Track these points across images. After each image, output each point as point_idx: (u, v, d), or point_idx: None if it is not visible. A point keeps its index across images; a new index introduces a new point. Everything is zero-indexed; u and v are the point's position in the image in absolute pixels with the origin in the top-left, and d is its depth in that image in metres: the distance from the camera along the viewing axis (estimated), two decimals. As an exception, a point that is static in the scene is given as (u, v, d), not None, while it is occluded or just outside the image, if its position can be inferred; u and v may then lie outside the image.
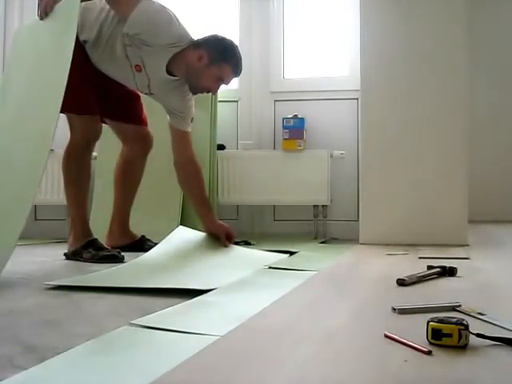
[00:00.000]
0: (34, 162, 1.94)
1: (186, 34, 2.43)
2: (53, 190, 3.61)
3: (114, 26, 2.40)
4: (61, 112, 2.09)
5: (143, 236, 2.79)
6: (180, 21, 2.41)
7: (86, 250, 2.38)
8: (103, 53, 2.45)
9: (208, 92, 2.56)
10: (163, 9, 2.36)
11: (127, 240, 2.74)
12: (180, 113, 2.59)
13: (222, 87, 2.62)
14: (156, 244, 2.73)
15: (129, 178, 2.75)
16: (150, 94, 2.57)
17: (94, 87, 2.50)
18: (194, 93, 2.56)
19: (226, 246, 2.55)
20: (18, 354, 0.99)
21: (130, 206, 2.78)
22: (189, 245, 2.48)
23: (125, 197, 2.77)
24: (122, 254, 2.39)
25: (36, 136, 2.00)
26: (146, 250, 2.64)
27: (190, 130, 2.63)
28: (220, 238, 2.58)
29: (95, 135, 2.50)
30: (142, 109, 2.75)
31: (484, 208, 4.16)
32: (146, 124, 2.75)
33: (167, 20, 2.34)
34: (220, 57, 2.44)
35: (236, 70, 2.50)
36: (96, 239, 2.46)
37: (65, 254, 2.46)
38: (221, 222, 2.68)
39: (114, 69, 2.51)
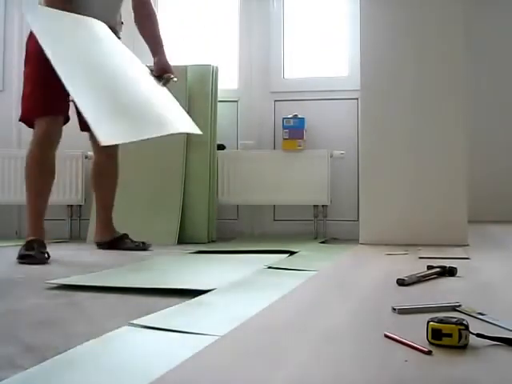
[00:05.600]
0: None
1: None
2: (52, 190, 3.59)
3: None
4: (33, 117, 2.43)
5: (125, 234, 2.88)
6: None
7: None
8: None
9: None
10: None
11: (109, 237, 2.85)
12: None
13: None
14: (136, 242, 2.85)
15: (105, 180, 2.84)
16: None
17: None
18: None
19: (163, 85, 2.64)
20: (18, 354, 0.99)
21: (112, 205, 2.87)
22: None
23: (105, 198, 2.86)
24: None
25: None
26: (126, 248, 2.80)
27: None
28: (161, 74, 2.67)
29: (58, 136, 2.54)
30: None
31: (484, 208, 4.16)
32: None
33: None
34: None
35: None
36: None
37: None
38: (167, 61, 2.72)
39: None
